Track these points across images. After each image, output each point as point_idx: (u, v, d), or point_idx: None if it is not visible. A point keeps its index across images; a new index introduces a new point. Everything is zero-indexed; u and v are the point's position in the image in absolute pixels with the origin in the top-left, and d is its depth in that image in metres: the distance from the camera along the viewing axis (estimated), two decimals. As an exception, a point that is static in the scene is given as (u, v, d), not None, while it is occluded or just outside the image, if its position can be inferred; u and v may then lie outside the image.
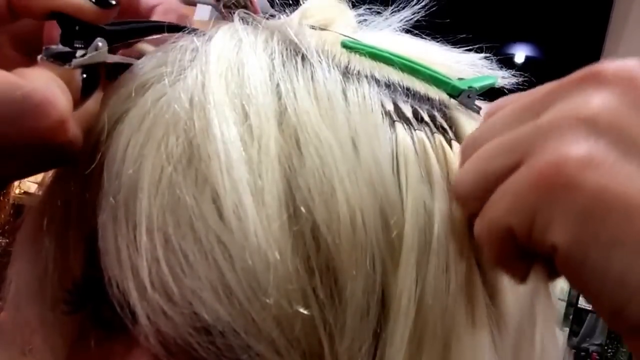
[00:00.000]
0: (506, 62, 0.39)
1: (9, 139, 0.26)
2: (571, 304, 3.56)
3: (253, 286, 0.25)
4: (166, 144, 0.27)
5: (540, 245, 0.23)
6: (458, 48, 0.37)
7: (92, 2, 0.30)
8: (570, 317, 3.72)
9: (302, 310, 0.26)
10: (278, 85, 0.29)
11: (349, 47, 0.33)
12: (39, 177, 0.34)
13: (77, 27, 0.30)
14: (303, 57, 0.30)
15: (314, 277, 0.26)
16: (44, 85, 0.27)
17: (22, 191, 1.24)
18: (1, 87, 0.25)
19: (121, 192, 0.27)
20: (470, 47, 0.37)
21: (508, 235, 0.24)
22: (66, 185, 0.31)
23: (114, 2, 0.30)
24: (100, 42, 0.30)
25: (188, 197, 0.26)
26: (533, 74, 0.39)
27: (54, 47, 0.30)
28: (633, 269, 0.21)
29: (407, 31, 0.37)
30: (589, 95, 0.23)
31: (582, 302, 3.31)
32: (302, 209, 0.26)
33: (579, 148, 0.22)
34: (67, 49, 0.30)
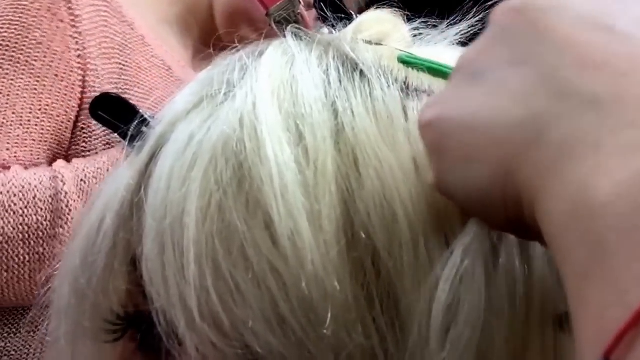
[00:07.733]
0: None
1: None
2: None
3: (310, 316, 0.24)
4: (215, 167, 0.26)
5: None
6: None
7: None
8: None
9: (362, 341, 0.24)
10: (334, 102, 0.27)
11: (406, 62, 0.31)
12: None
13: None
14: (361, 73, 0.29)
15: (374, 305, 0.25)
16: None
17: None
18: None
19: (167, 218, 0.26)
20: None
21: None
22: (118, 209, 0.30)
23: None
24: None
25: (239, 222, 0.25)
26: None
27: None
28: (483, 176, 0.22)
29: (464, 44, 0.35)
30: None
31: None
32: (362, 234, 0.25)
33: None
34: None
